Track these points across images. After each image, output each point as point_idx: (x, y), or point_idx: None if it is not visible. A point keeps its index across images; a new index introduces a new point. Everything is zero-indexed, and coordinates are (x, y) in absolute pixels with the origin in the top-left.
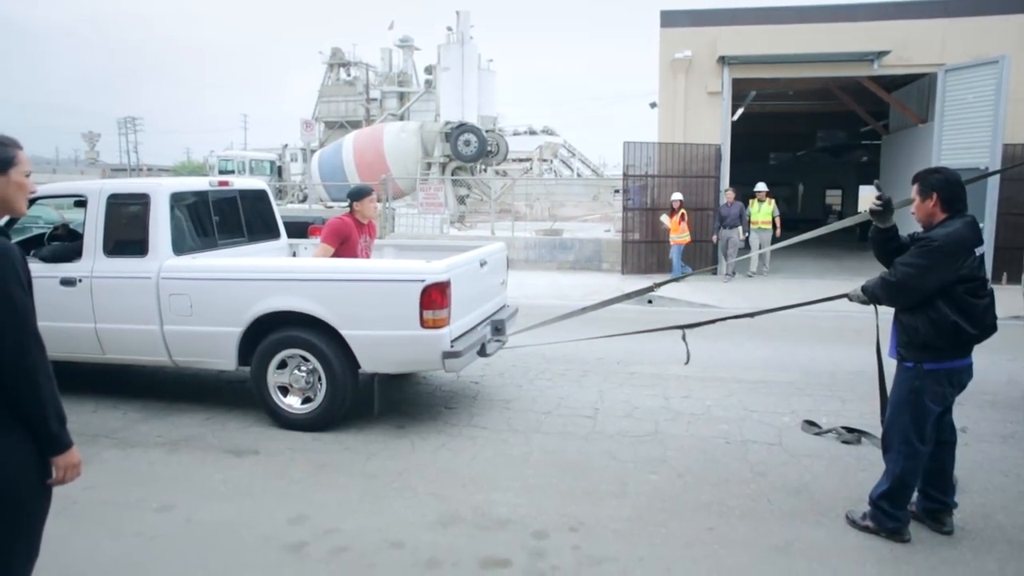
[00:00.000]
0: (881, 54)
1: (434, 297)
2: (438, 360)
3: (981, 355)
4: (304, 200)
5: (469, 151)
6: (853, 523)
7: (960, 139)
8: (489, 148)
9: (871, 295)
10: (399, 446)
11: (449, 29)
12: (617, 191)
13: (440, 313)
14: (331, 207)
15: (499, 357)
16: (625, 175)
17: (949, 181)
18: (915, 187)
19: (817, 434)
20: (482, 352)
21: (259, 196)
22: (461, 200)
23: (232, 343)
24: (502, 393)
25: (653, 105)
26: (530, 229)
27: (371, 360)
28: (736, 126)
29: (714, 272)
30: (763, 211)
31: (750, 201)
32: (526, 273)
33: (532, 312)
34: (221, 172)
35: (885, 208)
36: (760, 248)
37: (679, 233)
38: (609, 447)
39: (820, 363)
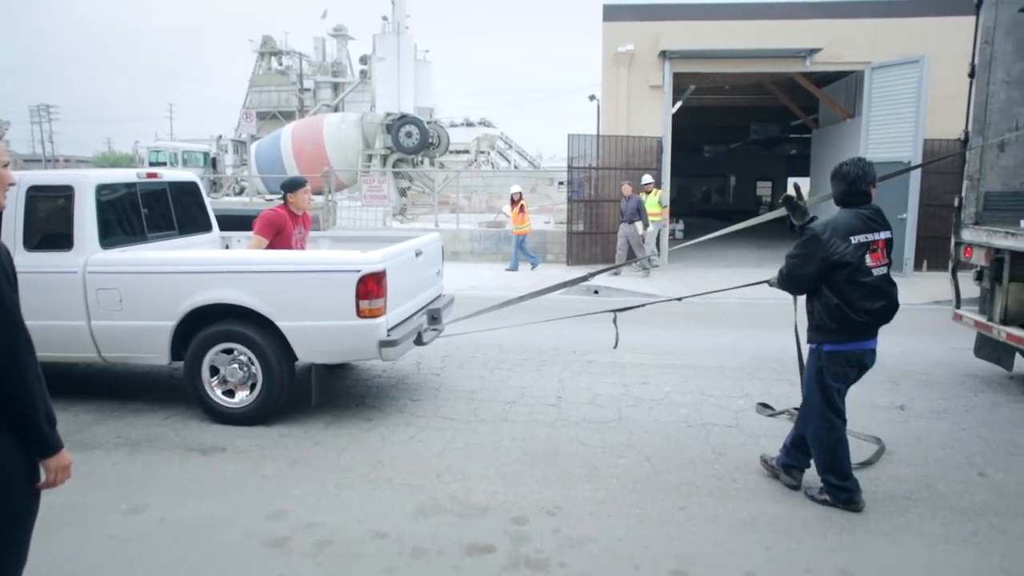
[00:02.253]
0: (813, 51)
1: (370, 287)
2: (375, 349)
3: (909, 338)
4: (241, 192)
5: (411, 143)
6: (812, 498)
7: (885, 133)
8: (431, 140)
9: (779, 284)
10: (369, 439)
11: (384, 19)
12: (561, 183)
13: (376, 303)
14: (270, 200)
15: (457, 348)
16: (569, 167)
17: (845, 175)
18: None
19: (771, 415)
20: (419, 341)
21: (189, 189)
22: (403, 192)
23: (164, 337)
24: (465, 384)
25: (592, 98)
26: (473, 221)
27: (308, 351)
28: (673, 119)
29: (616, 272)
30: (649, 203)
31: (642, 194)
32: (473, 265)
33: (480, 303)
34: (151, 164)
35: (789, 207)
36: (647, 239)
37: (519, 224)
38: (576, 433)
39: (768, 348)
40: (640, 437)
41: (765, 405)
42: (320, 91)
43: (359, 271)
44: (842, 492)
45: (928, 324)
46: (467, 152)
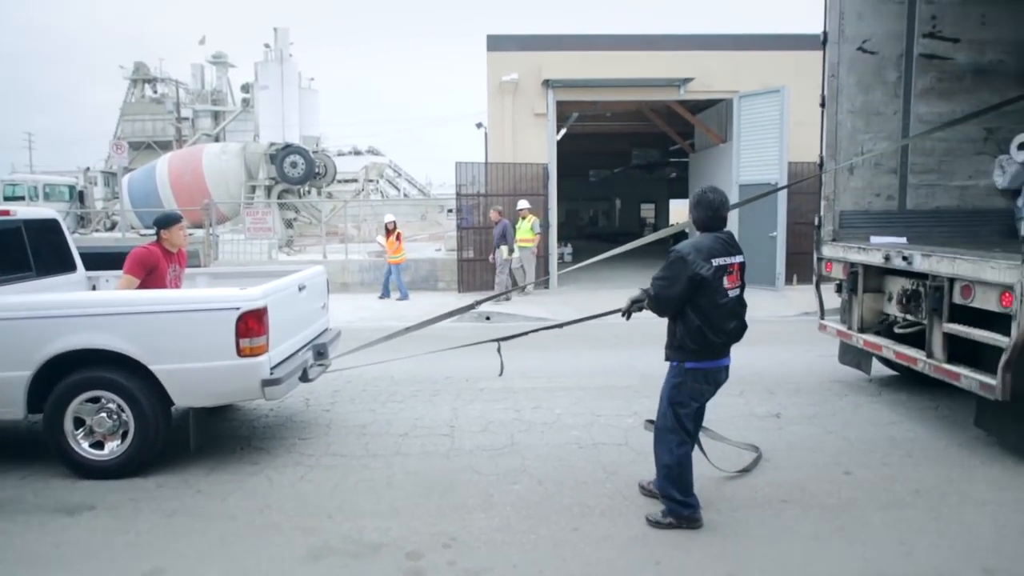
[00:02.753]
0: (686, 81)
1: (250, 325)
2: (257, 389)
3: (780, 349)
4: (113, 228)
5: (296, 173)
6: (657, 524)
7: (754, 157)
8: (317, 170)
9: (649, 307)
10: (255, 483)
11: (267, 46)
12: (450, 210)
13: (257, 341)
14: (145, 235)
15: (348, 382)
16: (458, 194)
17: (698, 204)
18: (688, 204)
19: None
20: (304, 378)
21: (49, 226)
22: (289, 224)
23: (19, 389)
24: (356, 419)
25: (480, 125)
26: (362, 251)
27: (185, 395)
28: (559, 145)
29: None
30: (522, 229)
31: (517, 219)
32: (362, 296)
33: (371, 336)
34: (7, 199)
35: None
36: (522, 266)
37: (395, 253)
38: (470, 462)
39: (656, 367)
40: (533, 461)
41: (652, 422)
42: (199, 120)
43: (238, 308)
44: (686, 507)
45: (798, 334)
46: (355, 181)
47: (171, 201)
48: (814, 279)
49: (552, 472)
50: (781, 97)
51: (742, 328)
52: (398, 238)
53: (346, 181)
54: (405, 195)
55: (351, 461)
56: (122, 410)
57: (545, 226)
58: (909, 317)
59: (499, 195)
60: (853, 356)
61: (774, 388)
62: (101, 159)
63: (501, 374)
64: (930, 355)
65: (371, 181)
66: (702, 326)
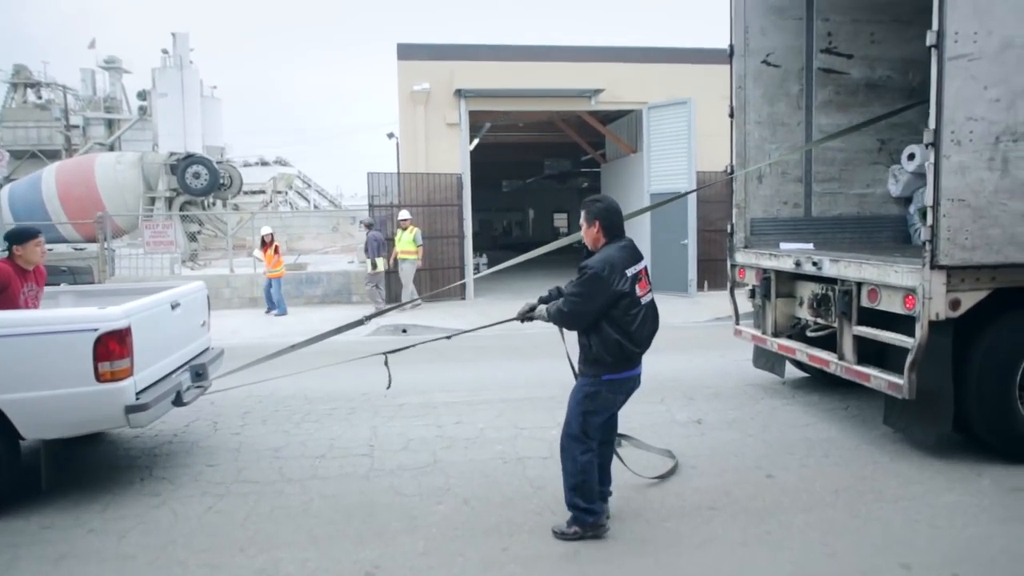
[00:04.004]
0: (597, 91)
1: (111, 347)
2: (120, 416)
3: (696, 355)
4: None
5: (199, 184)
6: (562, 535)
7: (664, 167)
8: (222, 181)
9: (553, 320)
10: (158, 517)
11: (165, 52)
12: (362, 222)
13: (119, 364)
14: None
15: (259, 403)
16: (371, 205)
17: (609, 210)
18: (583, 213)
19: None
20: (178, 401)
21: None
22: (193, 237)
23: None
24: (268, 441)
25: (391, 135)
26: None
27: (35, 427)
28: (472, 155)
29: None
30: (404, 240)
31: (396, 231)
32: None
33: (259, 352)
34: None
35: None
36: (403, 278)
37: (273, 267)
38: (391, 483)
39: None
40: (457, 479)
41: None
42: (91, 128)
43: (96, 330)
44: (590, 515)
45: (712, 339)
46: (263, 192)
47: (60, 214)
48: (728, 285)
49: (478, 490)
50: (688, 109)
51: (655, 334)
52: (276, 251)
53: (253, 193)
54: (315, 207)
55: (264, 487)
56: None
57: (461, 237)
58: (820, 321)
59: (413, 205)
60: (767, 360)
61: (693, 394)
62: None
63: (389, 387)
64: (841, 357)
65: (280, 192)
66: (620, 339)
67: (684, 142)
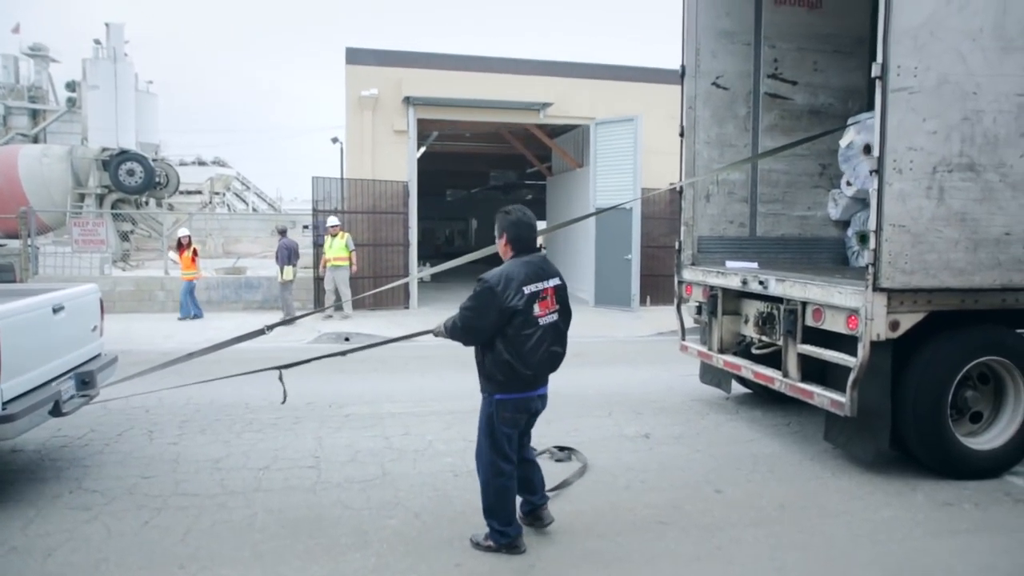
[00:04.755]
0: (546, 105)
1: None
2: None
3: (642, 369)
4: None
5: (133, 182)
6: (477, 545)
7: (610, 182)
8: (158, 179)
9: (450, 335)
10: (89, 533)
11: (97, 42)
12: (305, 227)
13: None
14: None
15: (198, 411)
16: (315, 210)
17: (517, 223)
18: (496, 225)
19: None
20: (56, 411)
21: None
22: (125, 236)
23: None
24: (208, 452)
25: (335, 140)
26: (209, 268)
27: None
28: (418, 163)
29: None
30: (335, 247)
31: (325, 237)
32: (211, 316)
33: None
34: None
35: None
36: (335, 287)
37: (189, 270)
38: (339, 496)
39: None
40: (407, 493)
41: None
42: (13, 118)
43: None
44: (504, 537)
45: (656, 354)
46: (200, 193)
47: None
48: (675, 301)
49: (428, 504)
50: (635, 126)
51: (557, 357)
52: (194, 254)
53: (190, 193)
54: (254, 209)
55: (204, 501)
56: None
57: (406, 244)
58: (765, 338)
59: (358, 212)
60: (713, 376)
61: (640, 408)
62: None
63: (284, 402)
64: (786, 375)
65: (217, 194)
66: (511, 359)
67: (630, 158)
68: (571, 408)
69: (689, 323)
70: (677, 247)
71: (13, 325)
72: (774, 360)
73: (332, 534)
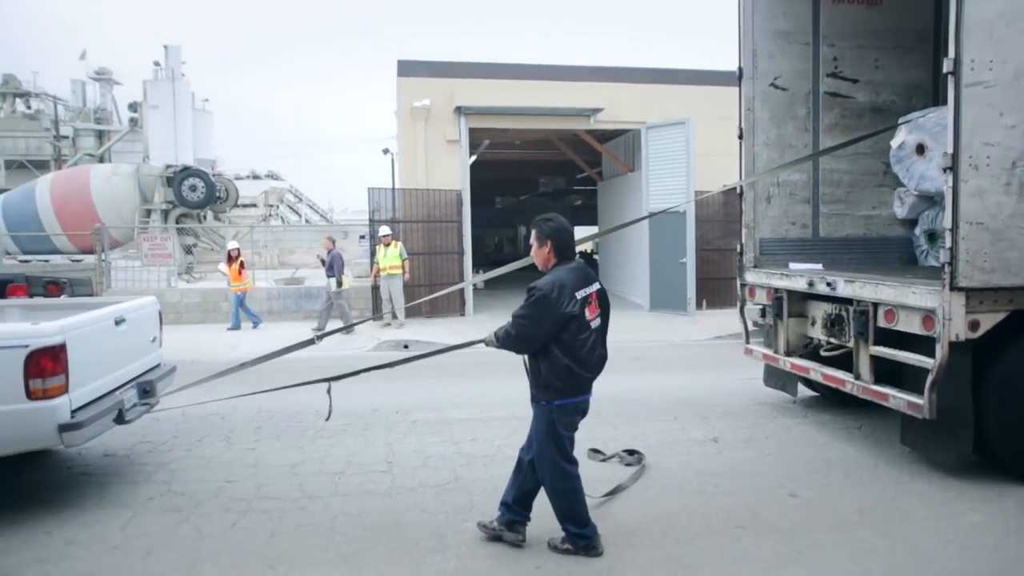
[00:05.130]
0: (596, 111)
1: (43, 364)
2: (54, 435)
3: (703, 373)
4: None
5: (196, 197)
6: (555, 548)
7: (663, 186)
8: (218, 194)
9: (502, 344)
10: (182, 534)
11: (157, 64)
12: (362, 236)
13: (53, 381)
14: (24, 260)
15: (271, 418)
16: (371, 220)
17: (560, 230)
18: (533, 233)
19: (603, 460)
20: (120, 419)
21: None
22: (188, 250)
23: None
24: (284, 457)
25: (386, 151)
26: (269, 278)
27: None
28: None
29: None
30: (389, 256)
31: (377, 247)
32: (272, 325)
33: (269, 367)
34: None
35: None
36: (390, 296)
37: (239, 281)
38: (415, 500)
39: None
40: (480, 497)
41: (596, 450)
42: (81, 139)
43: (27, 346)
44: (581, 539)
45: (716, 358)
46: (255, 206)
47: (54, 226)
48: (738, 304)
49: None
50: (687, 129)
51: (604, 359)
52: (241, 266)
53: (245, 206)
54: (307, 221)
55: (286, 504)
56: None
57: (460, 253)
58: (833, 340)
59: (413, 221)
60: (779, 379)
61: (705, 412)
62: None
63: (328, 418)
64: (858, 377)
65: (271, 206)
66: (570, 364)
67: (683, 161)
68: (636, 412)
69: (751, 326)
70: (739, 249)
71: (79, 337)
72: (843, 362)
73: (411, 537)
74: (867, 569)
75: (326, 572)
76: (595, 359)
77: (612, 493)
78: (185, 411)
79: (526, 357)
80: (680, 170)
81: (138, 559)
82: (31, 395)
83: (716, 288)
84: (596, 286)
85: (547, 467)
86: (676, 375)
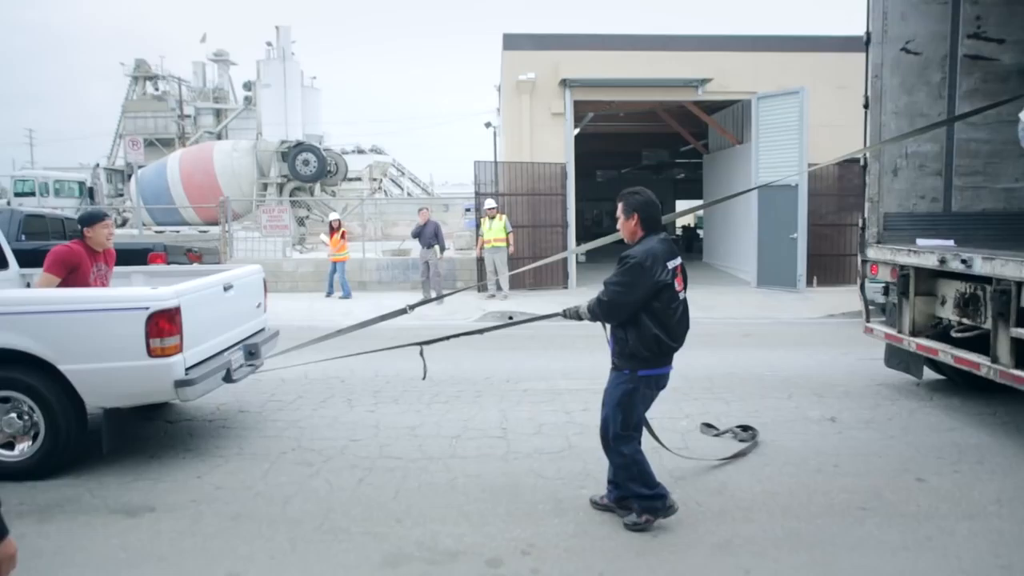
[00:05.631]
0: (705, 81)
1: (162, 325)
2: (170, 390)
3: (816, 351)
4: (124, 224)
5: (308, 171)
6: (635, 525)
7: (773, 158)
8: (329, 168)
9: (592, 313)
10: (314, 486)
11: (269, 44)
12: (467, 209)
13: (169, 341)
14: (160, 231)
15: (388, 383)
16: (477, 193)
17: (648, 203)
18: (620, 206)
19: (716, 435)
20: (228, 378)
21: None
22: (301, 222)
23: None
24: (403, 420)
25: (488, 125)
26: (376, 250)
27: (96, 395)
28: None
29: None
30: (494, 229)
31: (482, 220)
32: (380, 295)
33: (386, 334)
34: (17, 195)
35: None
36: (495, 268)
37: (338, 251)
38: (531, 465)
39: (695, 368)
40: (595, 465)
41: (709, 425)
42: (201, 118)
43: (148, 308)
44: (656, 500)
45: (830, 337)
46: (360, 180)
47: (183, 199)
48: (859, 281)
49: None
50: (800, 99)
51: (687, 330)
52: (343, 236)
53: (351, 180)
54: (409, 194)
55: (408, 464)
56: (33, 411)
57: (564, 226)
58: (967, 321)
59: (517, 194)
60: (902, 360)
61: (822, 391)
62: (103, 156)
63: (424, 377)
64: (995, 360)
65: (375, 180)
66: (659, 333)
67: (795, 133)
68: (748, 389)
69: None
70: (860, 224)
71: (192, 301)
72: (977, 344)
73: (529, 500)
74: (1008, 562)
75: (450, 529)
76: (682, 329)
77: (734, 457)
78: (308, 373)
79: (608, 328)
80: (792, 142)
81: (278, 506)
82: (151, 353)
83: (828, 265)
84: (679, 259)
85: (613, 436)
86: (788, 353)
